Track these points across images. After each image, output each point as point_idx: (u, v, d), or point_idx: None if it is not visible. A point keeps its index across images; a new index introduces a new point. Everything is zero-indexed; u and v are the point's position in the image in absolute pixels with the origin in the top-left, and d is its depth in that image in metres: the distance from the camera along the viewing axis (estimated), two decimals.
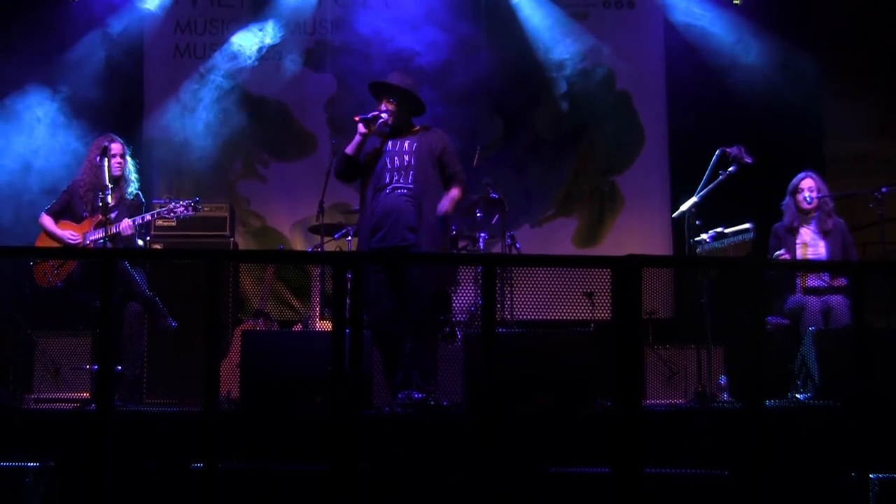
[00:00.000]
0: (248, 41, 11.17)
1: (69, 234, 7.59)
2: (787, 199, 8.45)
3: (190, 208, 7.73)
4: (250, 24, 11.25)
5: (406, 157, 7.20)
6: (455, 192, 7.26)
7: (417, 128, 7.44)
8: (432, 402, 6.83)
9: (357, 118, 7.27)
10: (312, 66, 11.41)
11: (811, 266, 8.25)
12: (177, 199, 7.82)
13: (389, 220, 7.10)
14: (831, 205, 8.39)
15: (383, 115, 7.27)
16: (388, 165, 7.18)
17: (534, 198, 11.29)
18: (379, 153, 7.26)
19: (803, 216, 8.38)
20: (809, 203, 8.32)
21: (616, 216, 11.30)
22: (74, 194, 7.74)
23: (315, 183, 9.64)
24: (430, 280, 7.13)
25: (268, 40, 11.13)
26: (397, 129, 7.36)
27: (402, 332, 7.14)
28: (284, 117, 11.37)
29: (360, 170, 7.34)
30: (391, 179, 7.16)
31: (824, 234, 8.29)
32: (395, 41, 11.34)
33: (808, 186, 8.37)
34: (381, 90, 7.40)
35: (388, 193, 7.14)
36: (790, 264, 8.34)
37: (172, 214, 7.73)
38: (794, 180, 8.48)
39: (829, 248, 8.22)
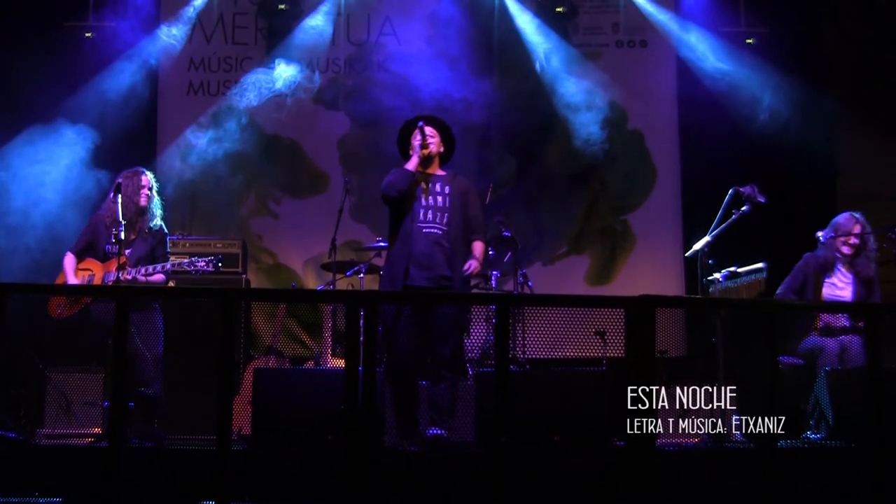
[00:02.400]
0: (273, 77, 11.25)
1: (86, 278, 7.66)
2: (827, 236, 8.25)
3: (210, 265, 7.74)
4: (265, 61, 11.31)
5: (441, 199, 7.31)
6: (479, 246, 7.37)
7: (445, 173, 7.50)
8: (449, 440, 6.85)
9: (416, 144, 7.37)
10: (325, 104, 11.46)
11: (823, 308, 8.19)
12: (197, 258, 7.80)
13: (426, 262, 7.16)
14: (873, 247, 8.23)
15: (431, 140, 7.41)
16: (424, 203, 7.27)
17: (546, 236, 11.30)
18: (414, 191, 7.32)
19: (843, 259, 8.21)
20: (850, 250, 8.18)
21: (628, 255, 11.30)
22: (97, 228, 7.78)
23: (327, 220, 9.67)
24: (454, 320, 7.19)
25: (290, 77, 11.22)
26: (431, 169, 7.45)
27: (418, 369, 7.19)
28: (297, 155, 11.42)
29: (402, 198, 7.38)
30: (425, 218, 7.24)
31: (859, 276, 8.15)
32: (408, 79, 11.39)
33: (855, 231, 8.15)
34: (426, 122, 7.50)
35: (424, 233, 7.21)
36: (802, 305, 8.30)
37: (193, 268, 7.74)
38: (842, 220, 8.27)
39: (856, 293, 8.10)
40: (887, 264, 8.42)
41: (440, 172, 7.47)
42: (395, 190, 7.31)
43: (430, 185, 7.34)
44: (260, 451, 6.56)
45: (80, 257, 7.75)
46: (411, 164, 7.35)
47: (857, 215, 8.24)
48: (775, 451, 5.91)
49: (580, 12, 11.42)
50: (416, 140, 7.39)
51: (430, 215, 7.25)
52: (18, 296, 6.94)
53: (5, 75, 10.78)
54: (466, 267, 7.19)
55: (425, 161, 7.39)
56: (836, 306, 8.19)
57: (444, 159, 7.59)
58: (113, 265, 7.58)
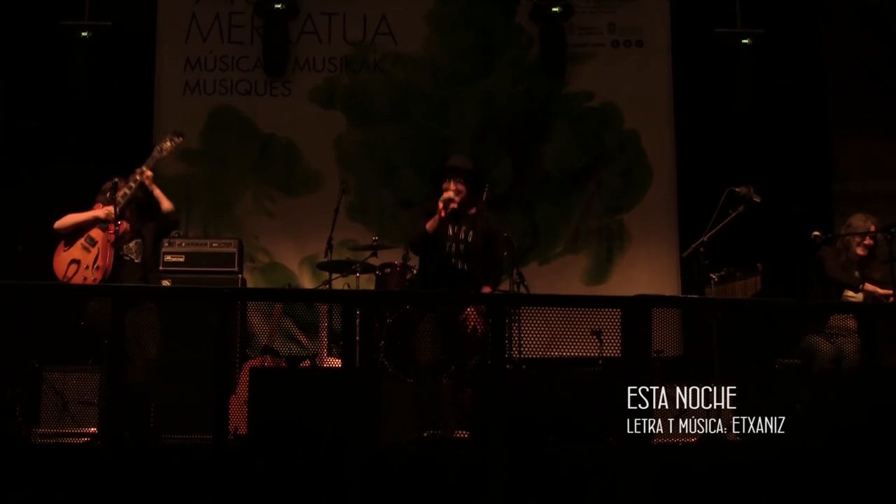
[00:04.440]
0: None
1: (99, 211, 7.62)
2: (840, 238, 8.26)
3: (171, 140, 7.73)
4: (260, 60, 11.34)
5: (463, 247, 7.53)
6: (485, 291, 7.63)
7: (474, 210, 7.70)
8: (446, 439, 6.93)
9: (441, 203, 7.44)
10: (321, 104, 11.44)
11: (819, 308, 8.19)
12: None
13: None
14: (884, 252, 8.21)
15: (454, 199, 7.49)
16: (447, 250, 7.51)
17: (542, 235, 11.31)
18: (441, 235, 7.53)
19: (857, 261, 8.18)
20: (864, 251, 8.17)
21: (624, 255, 11.30)
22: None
23: (323, 219, 9.66)
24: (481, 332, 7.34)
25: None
26: (458, 213, 7.60)
27: (443, 375, 7.47)
28: (293, 154, 11.38)
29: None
30: (452, 264, 7.50)
31: (871, 280, 8.13)
32: (404, 79, 11.41)
33: (869, 231, 8.13)
34: (451, 173, 7.62)
35: (451, 279, 7.48)
36: (797, 305, 8.29)
37: (158, 154, 7.71)
38: (856, 221, 8.26)
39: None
40: (883, 264, 8.44)
41: (466, 215, 7.64)
42: (416, 247, 7.72)
43: (455, 229, 7.54)
44: (256, 450, 6.55)
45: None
46: (430, 225, 7.50)
47: (871, 217, 8.24)
48: (772, 450, 5.93)
49: (576, 12, 11.41)
50: (443, 195, 7.50)
51: (452, 260, 7.51)
52: (12, 294, 6.96)
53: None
54: None
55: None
56: (831, 306, 8.19)
57: (475, 193, 7.76)
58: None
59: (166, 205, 7.69)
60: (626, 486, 5.85)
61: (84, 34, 10.79)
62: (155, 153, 7.69)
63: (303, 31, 11.46)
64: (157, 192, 7.66)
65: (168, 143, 7.75)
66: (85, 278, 7.46)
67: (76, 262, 7.55)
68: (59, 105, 10.80)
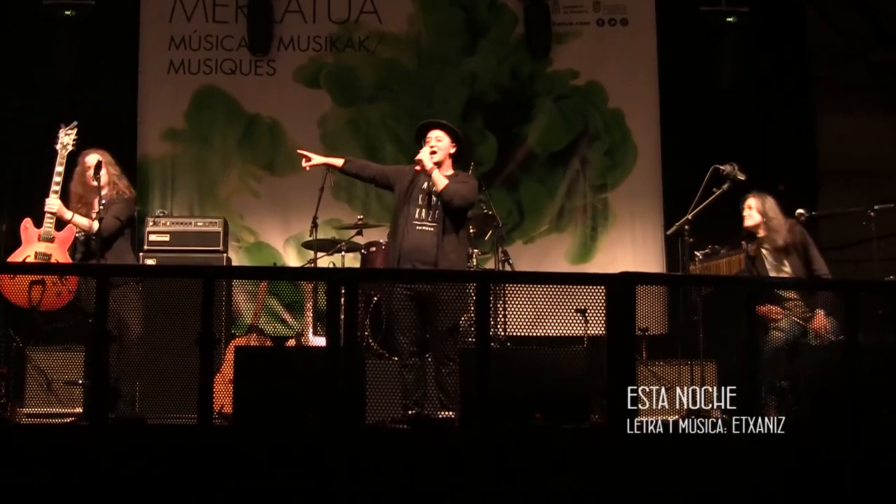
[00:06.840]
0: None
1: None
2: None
3: (68, 135, 7.74)
4: (245, 40, 11.31)
5: (434, 198, 7.49)
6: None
7: (452, 173, 7.66)
8: (430, 418, 6.97)
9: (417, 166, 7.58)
10: (306, 83, 11.41)
11: (804, 284, 8.19)
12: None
13: (413, 256, 7.41)
14: (778, 218, 8.13)
15: (427, 159, 7.51)
16: (420, 202, 7.53)
17: (527, 214, 11.31)
18: (415, 187, 7.59)
19: (752, 236, 8.17)
20: (752, 222, 8.14)
21: (609, 233, 11.31)
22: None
23: (308, 198, 9.65)
24: (452, 305, 7.33)
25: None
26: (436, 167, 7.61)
27: (425, 354, 7.51)
28: (277, 133, 11.36)
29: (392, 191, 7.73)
30: (420, 215, 7.50)
31: (780, 253, 8.07)
32: (389, 58, 11.39)
33: (747, 205, 8.14)
34: (432, 127, 7.75)
35: (416, 228, 7.48)
36: (782, 282, 8.28)
37: (64, 150, 7.71)
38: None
39: (792, 268, 8.05)
40: (866, 242, 8.46)
41: (444, 172, 7.59)
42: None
43: (427, 185, 7.54)
44: (241, 429, 6.56)
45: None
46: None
47: (755, 192, 8.18)
48: (755, 425, 5.95)
49: None
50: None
51: (422, 213, 7.50)
52: None
53: None
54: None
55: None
56: (814, 283, 8.19)
57: (457, 158, 7.78)
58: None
59: (85, 225, 7.63)
60: (611, 463, 5.87)
61: (67, 13, 10.73)
62: (61, 151, 7.68)
63: (287, 9, 11.43)
64: (74, 221, 7.59)
65: (66, 139, 7.72)
66: (59, 293, 7.39)
67: (40, 283, 7.41)
68: (43, 84, 10.73)
